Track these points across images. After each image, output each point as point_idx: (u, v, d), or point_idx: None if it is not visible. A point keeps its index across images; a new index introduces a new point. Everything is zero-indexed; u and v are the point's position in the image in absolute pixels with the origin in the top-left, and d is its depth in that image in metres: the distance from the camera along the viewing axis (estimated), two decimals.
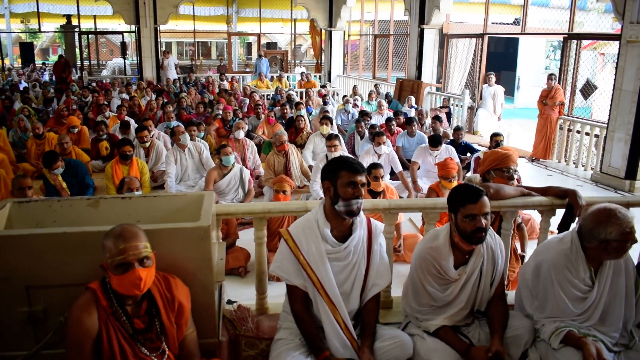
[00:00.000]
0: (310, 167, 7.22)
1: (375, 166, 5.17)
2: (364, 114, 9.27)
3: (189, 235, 2.34)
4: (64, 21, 22.58)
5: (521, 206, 3.37)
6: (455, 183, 5.42)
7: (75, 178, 6.21)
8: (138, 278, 2.08)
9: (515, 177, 3.58)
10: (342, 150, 6.52)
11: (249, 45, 37.41)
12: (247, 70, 22.61)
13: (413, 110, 11.20)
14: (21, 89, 14.44)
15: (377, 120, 10.13)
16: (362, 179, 2.52)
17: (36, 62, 24.37)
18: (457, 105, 12.32)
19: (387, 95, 13.52)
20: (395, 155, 7.21)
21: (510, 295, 3.18)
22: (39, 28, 20.70)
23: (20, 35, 32.08)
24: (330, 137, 6.41)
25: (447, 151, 7.16)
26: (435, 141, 7.11)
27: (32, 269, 2.32)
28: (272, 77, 17.71)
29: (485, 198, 2.58)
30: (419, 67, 13.66)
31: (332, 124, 7.88)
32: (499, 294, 2.80)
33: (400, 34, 17.13)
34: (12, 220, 2.69)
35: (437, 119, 8.99)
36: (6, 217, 2.66)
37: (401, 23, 17.50)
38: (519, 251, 4.51)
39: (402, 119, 9.55)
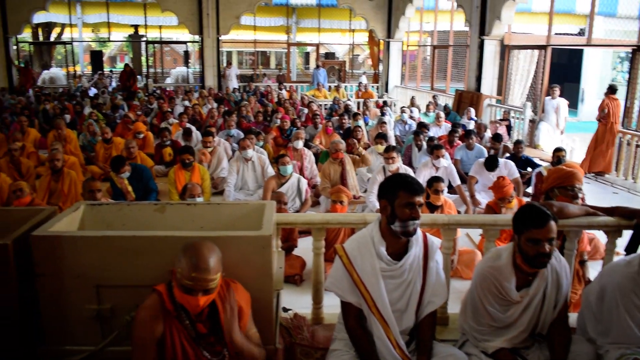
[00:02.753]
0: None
1: (436, 179, 5.14)
2: (421, 126, 9.21)
3: (251, 243, 2.41)
4: (131, 31, 23.56)
5: (586, 226, 3.27)
6: (515, 202, 5.32)
7: (140, 182, 6.45)
8: (197, 305, 2.17)
9: (580, 195, 3.48)
10: (399, 163, 6.49)
11: (307, 55, 37.84)
12: (305, 79, 22.88)
13: (472, 122, 11.04)
14: (91, 95, 15.13)
15: (435, 132, 10.04)
16: (420, 199, 2.48)
17: (104, 70, 25.48)
18: (517, 118, 12.04)
19: (445, 107, 13.37)
20: (454, 168, 7.12)
21: (572, 318, 3.09)
22: (109, 37, 21.65)
23: (91, 44, 33.65)
24: (388, 150, 6.40)
25: (505, 166, 7.00)
26: (491, 164, 6.93)
27: (103, 269, 2.44)
28: (329, 87, 17.85)
29: (553, 223, 2.50)
30: (479, 79, 13.45)
31: (387, 140, 7.87)
32: (562, 317, 2.70)
33: (459, 45, 16.94)
34: (84, 222, 2.84)
35: (496, 138, 8.75)
36: (79, 218, 2.81)
37: (461, 34, 17.31)
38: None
39: (460, 131, 9.43)
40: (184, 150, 6.68)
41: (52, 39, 25.58)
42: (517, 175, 7.03)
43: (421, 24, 19.00)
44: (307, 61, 38.08)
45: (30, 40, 24.35)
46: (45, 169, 6.63)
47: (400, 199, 2.45)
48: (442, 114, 11.00)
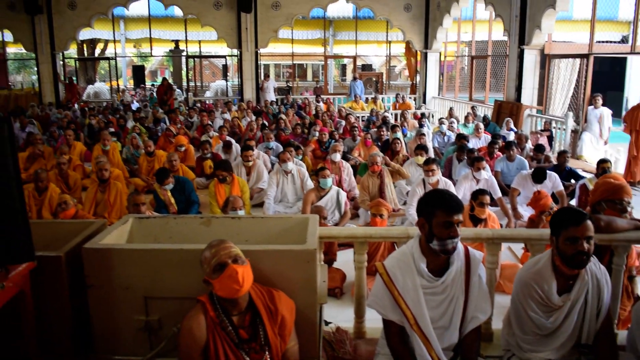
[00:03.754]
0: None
1: (481, 192, 5.09)
2: (461, 137, 9.12)
3: (296, 257, 2.43)
4: (172, 45, 24.15)
5: (635, 240, 3.19)
6: None
7: (183, 194, 6.58)
8: (235, 272, 2.22)
9: (629, 209, 3.39)
10: (439, 175, 6.44)
11: (343, 67, 38.03)
12: (342, 91, 22.97)
13: (512, 133, 10.88)
14: (134, 108, 15.53)
15: (475, 143, 9.92)
16: (459, 217, 2.44)
17: (146, 84, 26.15)
18: (559, 129, 11.80)
19: (484, 118, 13.21)
20: (495, 180, 7.02)
21: (622, 335, 3.00)
22: (151, 52, 22.23)
23: (133, 59, 34.59)
24: (427, 162, 6.37)
25: (550, 179, 6.85)
26: (539, 176, 6.75)
27: (151, 281, 2.50)
28: (366, 98, 17.87)
29: (589, 222, 2.48)
30: (519, 89, 13.26)
31: (426, 152, 7.83)
32: (606, 329, 2.64)
33: (498, 54, 16.74)
34: (133, 235, 2.92)
35: (538, 149, 8.60)
36: (128, 231, 2.89)
37: (500, 43, 17.10)
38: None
39: (500, 142, 9.29)
40: (218, 166, 6.77)
41: (96, 54, 26.42)
42: (562, 187, 6.88)
43: (459, 34, 18.86)
44: (343, 73, 38.27)
45: (75, 56, 25.20)
46: (91, 181, 6.83)
47: (438, 217, 2.42)
48: (482, 125, 10.86)
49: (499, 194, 6.86)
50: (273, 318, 2.35)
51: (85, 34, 19.14)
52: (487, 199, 5.07)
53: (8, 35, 18.02)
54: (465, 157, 8.07)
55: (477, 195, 5.08)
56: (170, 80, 20.82)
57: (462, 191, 6.87)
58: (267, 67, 35.23)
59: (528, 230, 4.55)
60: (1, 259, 2.20)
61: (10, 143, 2.11)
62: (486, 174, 6.89)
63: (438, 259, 2.53)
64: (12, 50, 24.36)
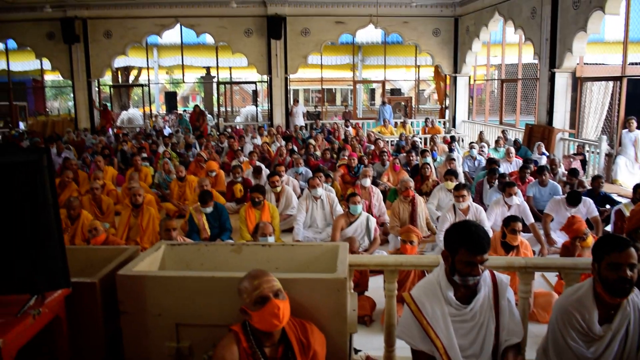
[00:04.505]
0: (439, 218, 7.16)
1: (514, 219, 5.01)
2: (492, 162, 9.02)
3: (326, 286, 2.43)
4: (203, 72, 24.63)
5: None
6: (590, 239, 5.10)
7: (218, 220, 6.66)
8: (276, 307, 2.23)
9: None
10: (469, 200, 6.37)
11: (372, 91, 38.14)
12: (371, 116, 23.03)
13: (544, 157, 10.72)
14: (166, 134, 15.83)
15: (506, 168, 9.80)
16: (484, 256, 2.40)
17: (178, 109, 26.67)
18: (593, 152, 11.59)
19: (515, 142, 13.05)
20: (527, 206, 6.91)
21: None
22: (183, 79, 22.72)
23: (165, 85, 35.36)
24: (458, 188, 6.30)
25: (584, 204, 6.71)
26: (574, 199, 6.61)
27: (182, 308, 2.53)
28: (395, 123, 17.87)
29: (632, 249, 2.41)
30: (550, 112, 13.10)
31: (456, 177, 7.77)
32: None
33: (529, 78, 16.61)
34: (165, 261, 2.96)
35: (573, 173, 8.46)
36: (160, 258, 2.93)
37: (529, 66, 16.99)
38: None
39: (532, 167, 9.15)
40: (254, 189, 6.84)
41: (129, 81, 27.10)
42: (596, 213, 6.72)
43: (488, 57, 18.80)
44: (372, 97, 38.37)
45: (110, 82, 25.92)
46: (124, 206, 6.95)
47: (461, 255, 2.40)
48: (513, 150, 10.73)
49: (532, 220, 6.73)
50: (305, 352, 2.35)
51: (119, 61, 19.68)
52: (520, 225, 4.99)
53: (46, 64, 18.64)
54: (497, 182, 7.98)
55: (509, 221, 5.00)
56: (202, 106, 21.22)
57: (494, 217, 6.78)
58: (295, 92, 35.54)
59: (562, 259, 4.45)
60: (38, 286, 2.25)
61: (49, 172, 2.18)
62: (518, 199, 6.79)
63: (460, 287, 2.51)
64: (50, 77, 25.15)
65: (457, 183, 6.73)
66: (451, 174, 7.78)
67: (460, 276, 2.42)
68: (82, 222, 6.41)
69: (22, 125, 20.82)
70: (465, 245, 2.39)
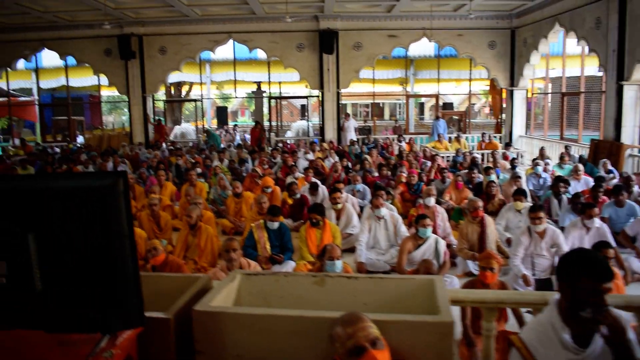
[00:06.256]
0: (509, 240, 6.73)
1: (605, 245, 4.60)
2: (561, 181, 8.48)
3: (430, 330, 2.11)
4: (253, 87, 24.77)
5: None
6: None
7: (280, 239, 6.44)
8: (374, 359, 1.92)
9: None
10: (546, 223, 5.92)
11: (420, 105, 37.64)
12: (421, 131, 22.60)
13: (612, 175, 10.11)
14: (219, 149, 15.84)
15: (574, 187, 9.22)
16: (610, 285, 2.08)
17: (229, 124, 26.90)
18: None
19: (581, 158, 12.39)
20: (607, 229, 6.39)
21: None
22: (235, 94, 22.86)
23: (216, 100, 35.85)
24: (534, 209, 5.86)
25: None
26: None
27: (264, 349, 2.26)
28: (449, 138, 17.40)
29: None
30: (618, 127, 12.42)
31: (525, 197, 7.31)
32: None
33: (593, 91, 15.88)
34: (241, 293, 2.71)
35: None
36: (236, 289, 2.68)
37: (593, 79, 16.26)
38: None
39: (605, 185, 8.55)
40: (313, 209, 6.58)
41: (182, 96, 27.53)
42: None
43: (547, 70, 18.14)
44: (421, 111, 37.87)
45: (163, 97, 26.37)
46: (183, 223, 6.80)
47: (584, 284, 2.07)
48: (581, 167, 10.13)
49: (614, 244, 6.21)
50: None
51: (173, 77, 19.95)
52: (611, 252, 4.55)
53: (104, 79, 19.07)
54: (571, 203, 7.48)
55: (600, 248, 4.56)
56: (250, 120, 21.24)
57: (571, 241, 6.29)
58: (343, 106, 35.45)
59: None
60: (112, 324, 2.03)
61: (125, 198, 1.95)
62: (598, 221, 6.29)
63: (582, 326, 2.15)
64: (105, 92, 25.80)
65: (533, 204, 6.29)
66: (520, 193, 7.33)
67: (587, 307, 2.06)
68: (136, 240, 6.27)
69: (80, 139, 21.35)
70: (588, 272, 2.07)
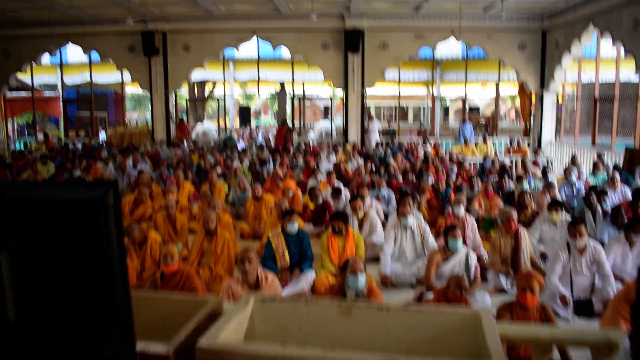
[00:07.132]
0: (543, 255, 6.29)
1: None
2: (599, 192, 7.98)
3: None
4: (277, 86, 24.49)
5: None
6: None
7: (299, 247, 6.09)
8: None
9: None
10: (587, 238, 5.47)
11: (445, 109, 37.05)
12: (445, 133, 22.08)
13: None
14: (240, 149, 15.57)
15: (611, 197, 8.70)
16: None
17: (251, 123, 26.67)
18: None
19: (615, 167, 11.82)
20: None
21: None
22: (258, 93, 22.59)
23: (238, 99, 35.69)
24: (575, 223, 5.42)
25: None
26: None
27: None
28: (475, 142, 16.89)
29: None
30: None
31: (561, 208, 6.85)
32: None
33: (628, 97, 15.24)
34: (254, 320, 2.37)
35: None
36: (249, 317, 2.34)
37: (630, 86, 15.62)
38: None
39: None
40: (335, 216, 6.21)
41: (205, 94, 27.40)
42: None
43: (579, 74, 17.49)
44: (445, 114, 37.28)
45: (186, 95, 26.24)
46: (199, 228, 6.50)
47: None
48: (618, 176, 9.59)
49: None
50: None
51: (196, 75, 19.76)
52: None
53: (127, 75, 18.97)
54: (611, 216, 7.00)
55: None
56: (272, 120, 20.96)
57: (612, 258, 5.84)
58: (367, 108, 35.05)
59: None
60: (97, 356, 1.71)
61: (116, 214, 1.62)
62: None
63: None
64: (128, 89, 25.75)
65: (573, 217, 5.85)
66: (557, 204, 6.88)
67: None
68: (150, 244, 5.99)
69: (102, 136, 21.31)
70: None
